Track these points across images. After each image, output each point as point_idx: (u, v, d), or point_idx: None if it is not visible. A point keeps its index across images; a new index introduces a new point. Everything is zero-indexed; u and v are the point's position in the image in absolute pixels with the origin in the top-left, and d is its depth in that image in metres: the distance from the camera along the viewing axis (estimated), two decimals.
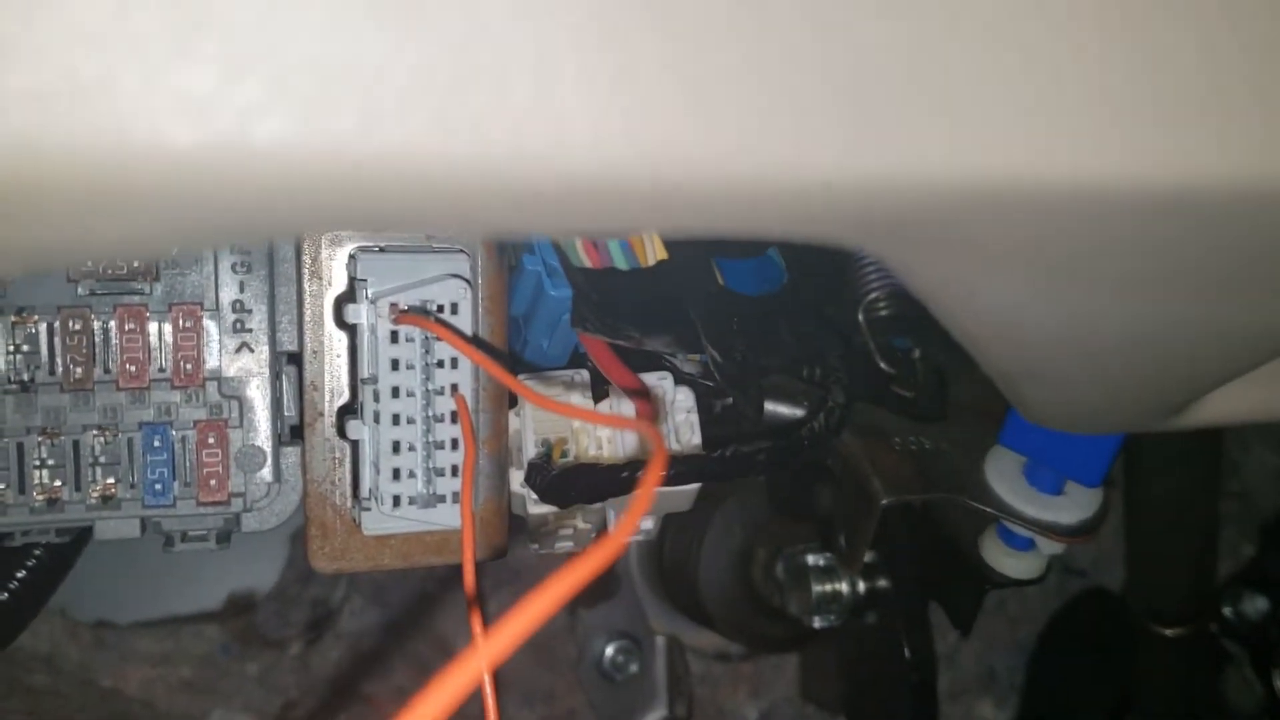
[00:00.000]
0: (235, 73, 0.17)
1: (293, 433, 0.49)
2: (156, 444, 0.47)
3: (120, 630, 0.85)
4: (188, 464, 0.47)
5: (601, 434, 0.50)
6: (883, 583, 0.74)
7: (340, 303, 0.48)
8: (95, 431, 0.46)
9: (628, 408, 0.50)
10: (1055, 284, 0.27)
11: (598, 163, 0.19)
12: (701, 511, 0.79)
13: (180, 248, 0.22)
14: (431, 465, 0.49)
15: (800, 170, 0.20)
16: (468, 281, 0.48)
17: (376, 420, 0.48)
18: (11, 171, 0.17)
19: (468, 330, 0.48)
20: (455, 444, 0.49)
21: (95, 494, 0.46)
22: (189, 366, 0.47)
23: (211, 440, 0.47)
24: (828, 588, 0.74)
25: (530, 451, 0.50)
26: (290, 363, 0.49)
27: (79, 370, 0.46)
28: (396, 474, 0.49)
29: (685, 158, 0.20)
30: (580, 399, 0.51)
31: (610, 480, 0.47)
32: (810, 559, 0.75)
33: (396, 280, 0.48)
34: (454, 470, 0.49)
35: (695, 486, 0.50)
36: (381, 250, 0.48)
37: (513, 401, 0.51)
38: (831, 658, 0.86)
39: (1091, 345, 0.31)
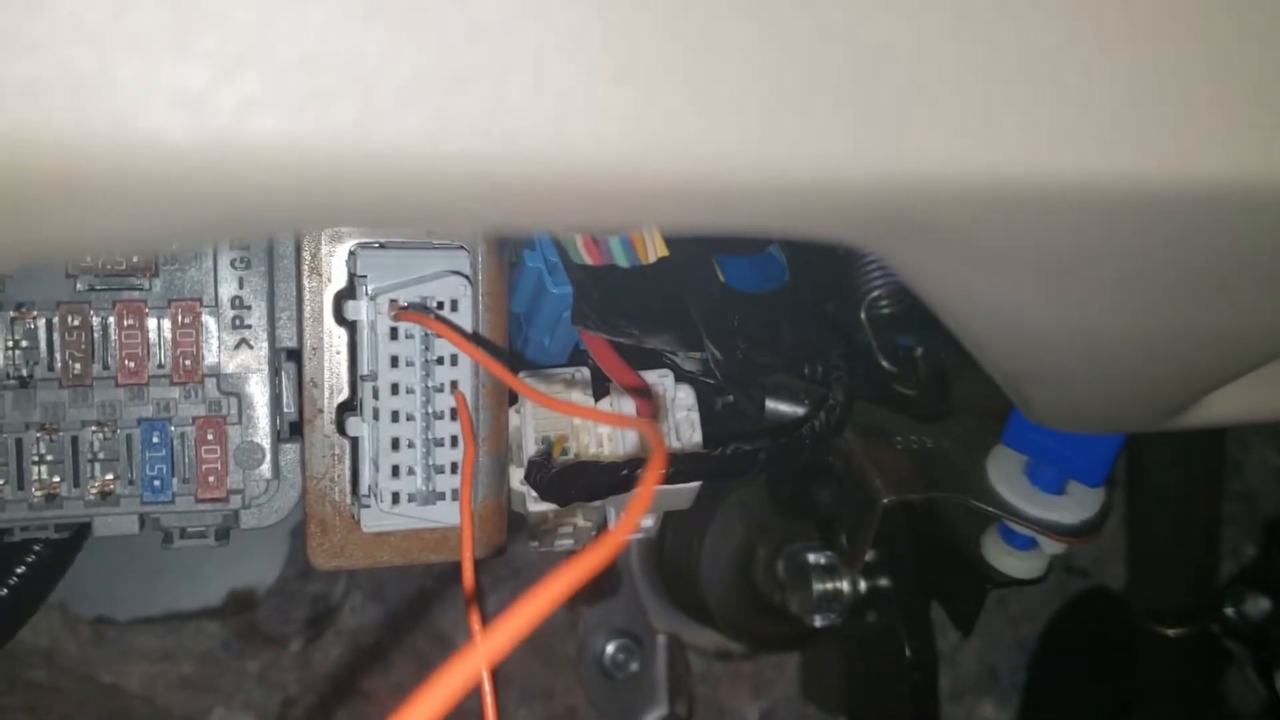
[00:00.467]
0: (232, 68, 0.17)
1: (292, 429, 0.49)
2: (155, 440, 0.46)
3: (120, 626, 0.85)
4: (186, 460, 0.47)
5: (602, 432, 0.50)
6: (884, 581, 0.74)
7: (340, 299, 0.48)
8: (94, 427, 0.46)
9: (628, 405, 0.50)
10: (1058, 284, 0.27)
11: (597, 159, 0.19)
12: (702, 509, 0.79)
13: (177, 243, 0.21)
14: (431, 462, 0.49)
15: (802, 168, 0.20)
16: (468, 278, 0.48)
17: (376, 417, 0.48)
18: (7, 165, 0.17)
19: (468, 327, 0.48)
20: (455, 441, 0.49)
21: (94, 490, 0.46)
22: (188, 363, 0.47)
23: (210, 437, 0.47)
24: (829, 586, 0.74)
25: (530, 449, 0.50)
26: (289, 359, 0.49)
27: (78, 366, 0.46)
28: (396, 471, 0.49)
29: (686, 155, 0.19)
30: (581, 396, 0.50)
31: (610, 478, 0.47)
32: (811, 557, 0.75)
33: (396, 276, 0.48)
34: (453, 467, 0.49)
35: (696, 485, 0.50)
36: (382, 246, 0.48)
37: (513, 399, 0.51)
38: (832, 657, 0.86)
39: (1094, 345, 0.31)
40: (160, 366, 0.47)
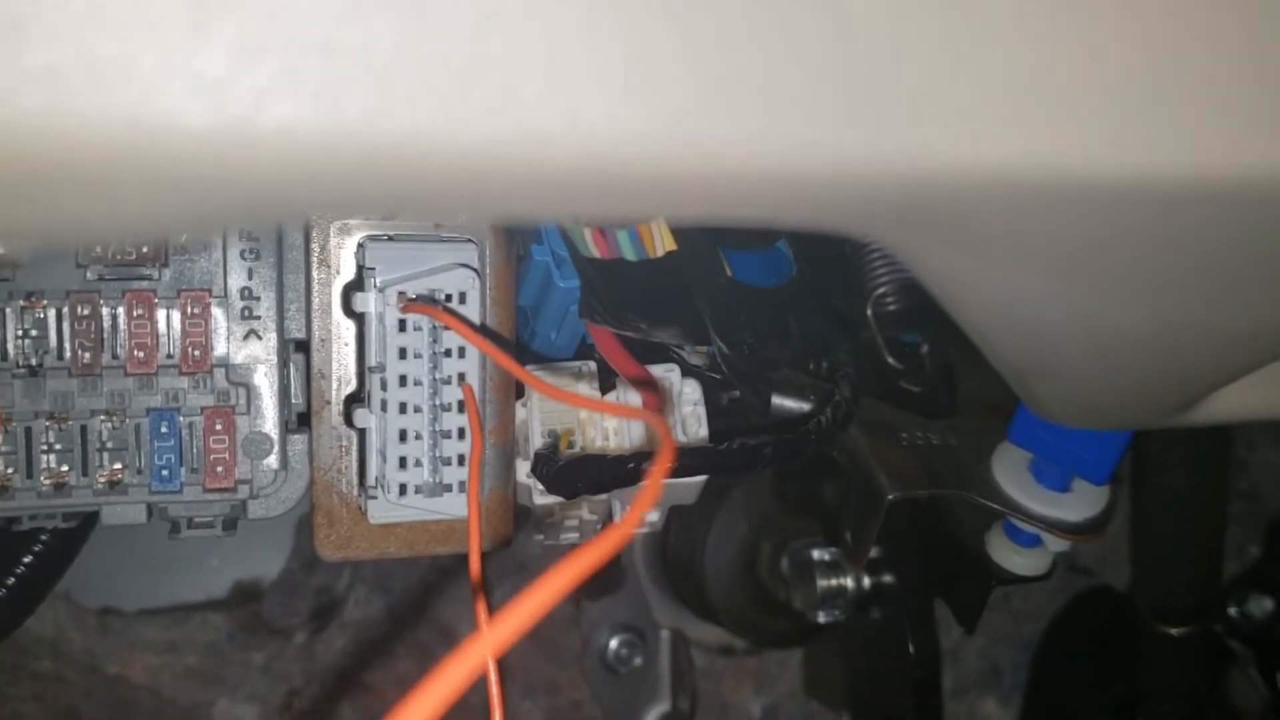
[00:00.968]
0: (250, 56, 0.17)
1: (300, 420, 0.49)
2: (164, 430, 0.47)
3: (126, 617, 0.85)
4: (195, 450, 0.47)
5: (608, 425, 0.50)
6: (888, 578, 0.74)
7: (349, 291, 0.48)
8: (103, 417, 0.46)
9: (635, 399, 0.50)
10: (1067, 277, 0.27)
11: (608, 148, 0.19)
12: (707, 504, 0.79)
13: (193, 228, 0.22)
14: (438, 454, 0.49)
15: (813, 159, 0.20)
16: (476, 271, 0.48)
17: (384, 409, 0.48)
18: (26, 149, 0.17)
19: (475, 320, 0.48)
20: (462, 433, 0.49)
21: (102, 479, 0.47)
22: (197, 353, 0.47)
23: (219, 427, 0.47)
24: (833, 582, 0.74)
25: (537, 442, 0.50)
26: (298, 350, 0.49)
27: (87, 355, 0.46)
28: (403, 462, 0.49)
29: (697, 144, 0.20)
30: (588, 390, 0.51)
31: (616, 472, 0.47)
32: (816, 553, 0.75)
33: (405, 269, 0.48)
34: (460, 459, 0.49)
35: (701, 479, 0.50)
36: (390, 239, 0.48)
37: (520, 392, 0.51)
38: (836, 653, 0.86)
39: (1102, 340, 0.31)
40: (169, 356, 0.47)
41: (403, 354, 0.48)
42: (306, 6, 0.18)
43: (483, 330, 0.48)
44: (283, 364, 0.48)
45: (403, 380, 0.48)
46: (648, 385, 0.50)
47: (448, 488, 0.49)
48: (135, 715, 0.84)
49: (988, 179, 0.21)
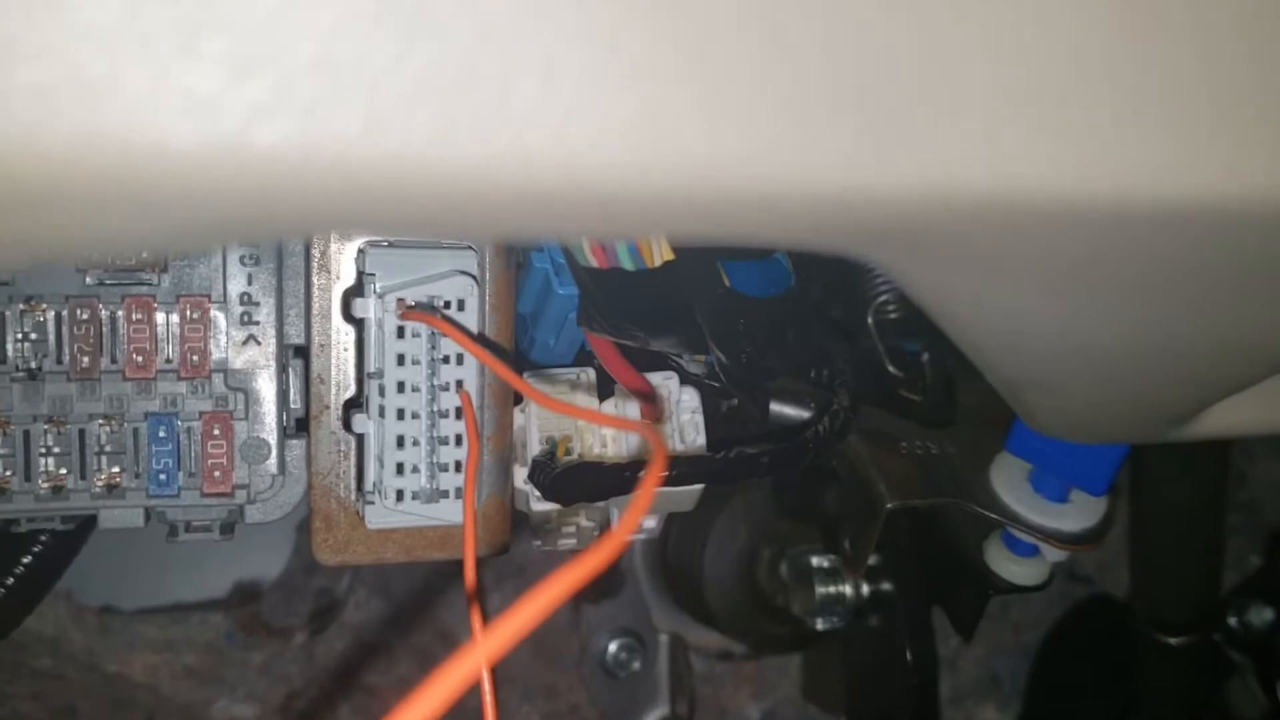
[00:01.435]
0: (241, 73, 0.17)
1: (298, 425, 0.49)
2: (162, 434, 0.47)
3: (126, 616, 0.85)
4: (193, 455, 0.47)
5: (606, 432, 0.50)
6: (886, 585, 0.74)
7: (348, 297, 0.48)
8: (101, 421, 0.46)
9: (633, 407, 0.50)
10: (1060, 295, 0.27)
11: (601, 168, 0.19)
12: (706, 510, 0.79)
13: (185, 244, 0.22)
14: (436, 460, 0.49)
15: (804, 180, 0.20)
16: (475, 278, 0.48)
17: (382, 415, 0.48)
18: (17, 166, 0.17)
19: (474, 327, 0.48)
20: (460, 440, 0.49)
21: (100, 483, 0.47)
22: (195, 358, 0.47)
23: (217, 432, 0.47)
24: (831, 589, 0.74)
25: (534, 448, 0.50)
26: (297, 356, 0.49)
27: (86, 359, 0.46)
28: (400, 469, 0.49)
29: (689, 164, 0.20)
30: (585, 397, 0.51)
31: (613, 480, 0.47)
32: (814, 560, 0.75)
33: (404, 275, 0.48)
34: (458, 466, 0.49)
35: (699, 487, 0.50)
36: (390, 245, 0.48)
37: (518, 398, 0.51)
38: (834, 659, 0.86)
39: (1096, 355, 0.31)
40: (168, 361, 0.47)
41: (401, 360, 0.48)
42: (298, 22, 0.18)
43: (480, 339, 0.48)
44: (281, 369, 0.48)
45: (401, 386, 0.48)
46: (645, 393, 0.50)
47: (445, 494, 0.49)
48: (133, 714, 0.85)
49: (982, 201, 0.21)
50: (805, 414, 0.53)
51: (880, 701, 0.77)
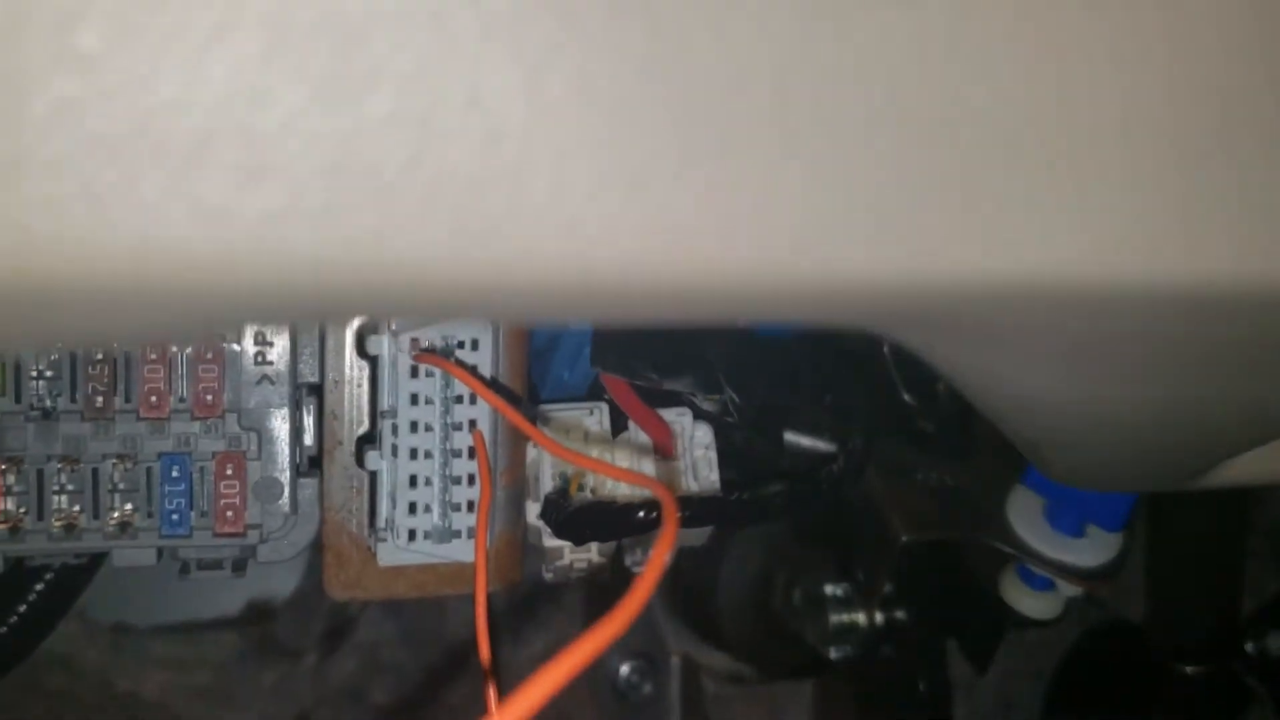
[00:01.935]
0: (253, 179, 0.17)
1: (311, 463, 0.49)
2: (175, 474, 0.47)
3: (138, 634, 0.85)
4: (205, 495, 0.47)
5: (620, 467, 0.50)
6: (900, 615, 0.73)
7: (362, 334, 0.48)
8: (114, 460, 0.46)
9: (646, 447, 0.50)
10: (1079, 370, 0.26)
11: (615, 265, 0.19)
12: (720, 535, 0.79)
13: (199, 336, 0.22)
14: (448, 500, 0.49)
15: (821, 274, 0.20)
16: None
17: (395, 454, 0.48)
18: (32, 273, 0.17)
19: (488, 366, 0.48)
20: (472, 480, 0.49)
21: (113, 522, 0.47)
22: (209, 398, 0.47)
23: (230, 471, 0.47)
24: (844, 618, 0.74)
25: (547, 484, 0.50)
26: (310, 394, 0.49)
27: (100, 399, 0.46)
28: (413, 508, 0.49)
29: (701, 260, 0.19)
30: (598, 433, 0.50)
31: (625, 521, 0.47)
32: (828, 588, 0.75)
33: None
34: (470, 505, 0.49)
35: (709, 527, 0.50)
36: None
37: None
38: (847, 686, 0.85)
39: (1113, 421, 0.31)
40: (181, 400, 0.47)
41: (414, 399, 0.48)
42: (310, 129, 0.17)
43: (493, 382, 0.48)
44: (295, 407, 0.48)
45: (414, 425, 0.48)
46: (659, 430, 0.50)
47: (457, 534, 0.49)
48: None
49: (1003, 287, 0.21)
50: (820, 445, 0.53)
51: None
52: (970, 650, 0.67)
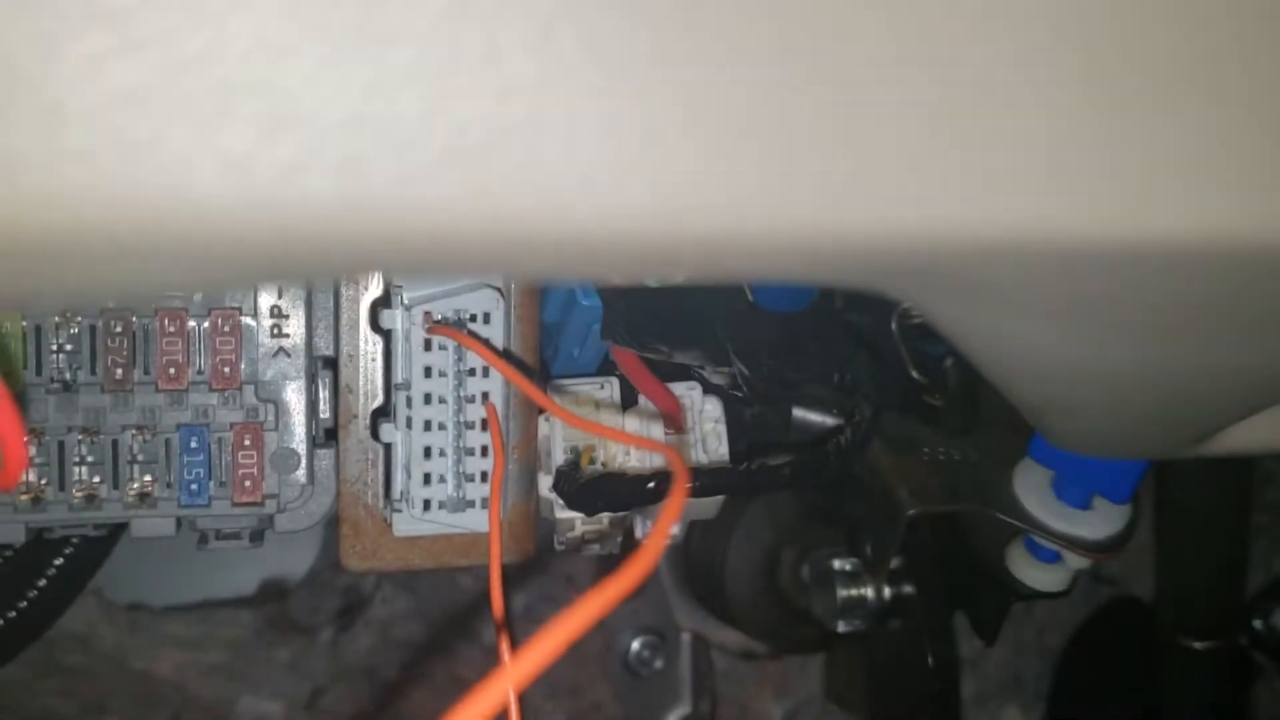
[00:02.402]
0: (275, 132, 0.18)
1: (327, 435, 0.50)
2: (193, 445, 0.47)
3: (154, 613, 0.86)
4: (223, 465, 0.48)
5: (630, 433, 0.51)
6: (908, 589, 0.74)
7: (376, 308, 0.49)
8: (134, 431, 0.47)
9: (656, 424, 0.50)
10: (1081, 329, 0.27)
11: (623, 217, 0.20)
12: (730, 510, 0.79)
13: (224, 288, 0.22)
14: (462, 471, 0.49)
15: (826, 226, 0.20)
16: (501, 291, 0.49)
17: (409, 426, 0.49)
18: (69, 225, 0.18)
19: (499, 339, 0.49)
20: (485, 450, 0.50)
21: (133, 492, 0.47)
22: (227, 370, 0.48)
23: (247, 442, 0.48)
24: (853, 592, 0.74)
25: (559, 458, 0.50)
26: (326, 367, 0.49)
27: (119, 371, 0.47)
28: (427, 479, 0.49)
29: (710, 213, 0.20)
30: (609, 406, 0.51)
31: (636, 492, 0.47)
32: (836, 563, 0.75)
33: (431, 287, 0.48)
34: (484, 476, 0.50)
35: (720, 497, 0.51)
36: None
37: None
38: (856, 660, 0.86)
39: (1117, 382, 0.31)
40: (200, 373, 0.48)
41: (428, 372, 0.49)
42: (330, 82, 0.18)
43: (505, 354, 0.49)
44: (311, 380, 0.49)
45: (427, 398, 0.49)
46: (669, 404, 0.51)
47: (471, 504, 0.50)
48: (161, 710, 0.86)
49: (1005, 243, 0.22)
50: (828, 420, 0.54)
51: (902, 704, 0.77)
52: (978, 623, 0.68)
